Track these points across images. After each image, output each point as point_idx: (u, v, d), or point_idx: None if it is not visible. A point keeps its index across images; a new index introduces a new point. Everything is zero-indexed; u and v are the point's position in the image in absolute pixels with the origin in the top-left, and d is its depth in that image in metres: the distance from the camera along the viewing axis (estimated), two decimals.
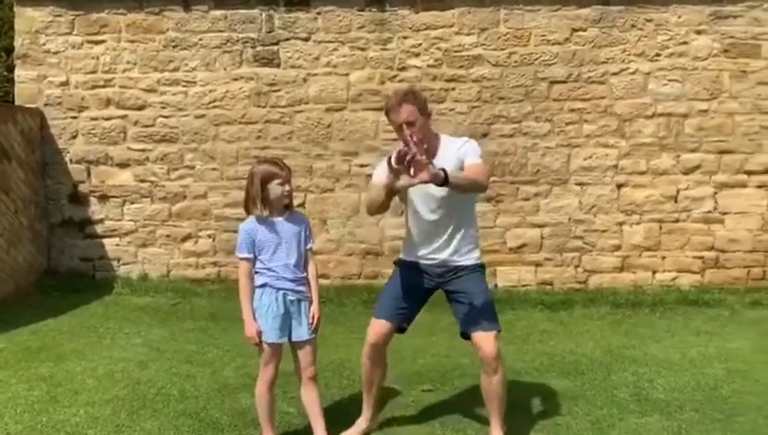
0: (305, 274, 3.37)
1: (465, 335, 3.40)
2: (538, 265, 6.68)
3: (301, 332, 3.34)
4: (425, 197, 3.38)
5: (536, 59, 6.54)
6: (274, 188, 3.27)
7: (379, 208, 3.37)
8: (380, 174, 3.27)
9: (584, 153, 6.58)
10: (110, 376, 4.48)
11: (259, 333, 3.27)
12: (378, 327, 3.47)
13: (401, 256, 3.61)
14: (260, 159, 3.36)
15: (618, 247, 6.64)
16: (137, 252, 6.91)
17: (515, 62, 6.56)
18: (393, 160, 3.01)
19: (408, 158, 2.91)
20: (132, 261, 6.91)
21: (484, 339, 3.29)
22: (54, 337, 5.34)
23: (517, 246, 6.68)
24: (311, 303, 3.37)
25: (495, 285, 6.44)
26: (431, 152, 3.24)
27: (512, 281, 6.65)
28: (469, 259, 3.46)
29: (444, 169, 3.06)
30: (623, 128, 6.54)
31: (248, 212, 3.35)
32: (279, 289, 3.29)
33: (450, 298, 3.50)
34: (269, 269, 3.29)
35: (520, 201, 6.65)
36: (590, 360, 4.76)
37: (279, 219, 3.33)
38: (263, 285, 3.31)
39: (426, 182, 3.00)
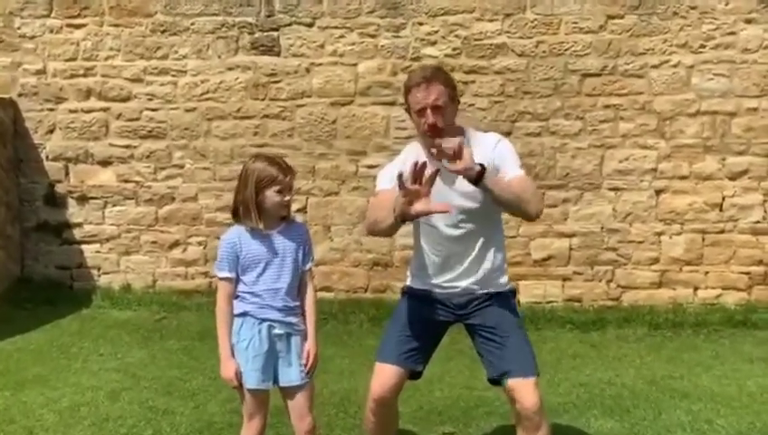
0: (298, 302, 2.77)
1: (496, 381, 2.81)
2: (566, 279, 6.28)
3: (290, 375, 2.74)
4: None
5: (567, 49, 6.13)
6: (271, 196, 2.68)
7: (385, 231, 2.71)
8: (388, 182, 2.73)
9: (619, 155, 6.17)
10: (74, 410, 4.05)
11: (238, 375, 2.68)
12: (384, 376, 2.81)
13: (409, 283, 3.00)
14: (259, 155, 2.79)
15: (655, 261, 6.23)
16: (119, 260, 6.53)
17: (543, 52, 6.15)
18: (407, 176, 2.41)
19: (425, 173, 2.37)
20: (114, 270, 6.54)
21: (523, 387, 2.69)
22: (18, 359, 4.93)
23: (542, 257, 6.29)
24: (305, 338, 2.76)
25: (518, 302, 5.97)
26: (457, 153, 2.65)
27: (536, 297, 6.25)
28: (498, 285, 2.87)
29: (482, 165, 2.47)
30: (663, 127, 6.14)
31: (236, 219, 2.74)
32: (263, 320, 2.70)
33: (474, 334, 2.90)
34: (252, 294, 2.71)
35: (546, 208, 6.09)
36: (634, 393, 4.33)
37: (272, 232, 2.74)
38: (243, 314, 2.73)
39: (458, 172, 2.44)
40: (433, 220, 2.78)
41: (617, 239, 6.22)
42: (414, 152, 2.86)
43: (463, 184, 2.65)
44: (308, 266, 2.80)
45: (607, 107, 6.13)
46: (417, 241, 2.93)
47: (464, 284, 2.83)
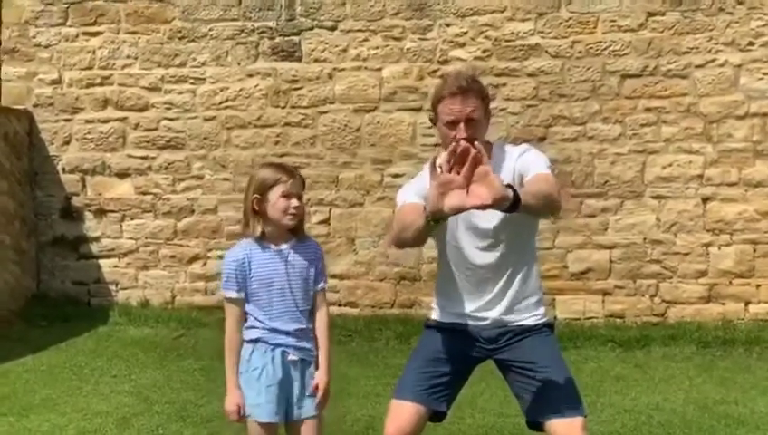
0: (311, 325, 2.52)
1: (536, 425, 2.50)
2: (606, 293, 6.05)
3: (301, 404, 2.48)
4: (472, 230, 2.50)
5: (605, 49, 5.98)
6: (276, 202, 2.42)
7: (414, 238, 2.40)
8: (413, 195, 2.51)
9: (662, 161, 5.98)
10: None
11: (241, 408, 2.43)
12: (401, 417, 2.49)
13: (434, 316, 2.68)
14: (264, 163, 2.53)
15: (703, 273, 6.01)
16: (137, 275, 6.44)
17: (580, 52, 5.99)
18: (443, 160, 2.10)
19: (466, 156, 2.04)
20: (132, 285, 6.44)
21: (568, 430, 2.39)
22: (28, 381, 4.75)
23: (581, 270, 6.07)
24: (317, 365, 2.50)
25: (555, 317, 5.86)
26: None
27: (574, 313, 6.03)
28: (534, 316, 2.57)
29: (511, 186, 2.16)
30: (709, 130, 5.94)
31: (245, 230, 2.51)
32: (276, 346, 2.44)
33: (507, 370, 2.59)
34: (262, 316, 2.46)
35: (584, 218, 6.04)
36: (684, 420, 4.07)
37: (283, 247, 2.48)
38: (254, 341, 2.47)
39: (485, 207, 2.07)
40: (459, 240, 2.53)
41: (661, 251, 6.02)
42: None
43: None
44: (320, 287, 2.55)
45: (648, 110, 5.96)
46: (442, 265, 2.65)
47: (494, 315, 2.54)
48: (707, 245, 5.96)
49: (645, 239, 6.00)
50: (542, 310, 2.60)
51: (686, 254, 5.98)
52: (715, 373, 4.90)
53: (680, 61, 5.89)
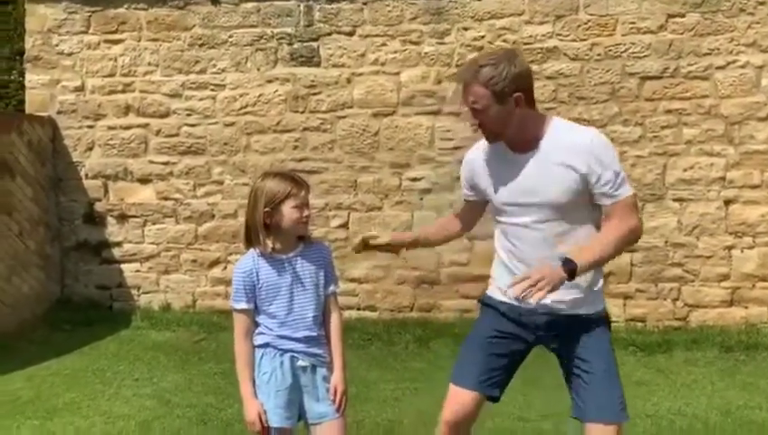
0: (323, 331, 2.51)
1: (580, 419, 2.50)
2: (627, 297, 5.95)
3: (319, 409, 2.47)
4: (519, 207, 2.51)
5: (624, 51, 5.89)
6: (289, 214, 2.41)
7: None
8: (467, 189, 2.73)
9: (684, 163, 5.88)
10: None
11: (261, 417, 2.42)
12: (458, 402, 2.52)
13: (488, 290, 2.66)
14: (267, 172, 2.55)
15: (726, 277, 5.89)
16: (158, 279, 6.43)
17: (599, 54, 5.91)
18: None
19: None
20: (154, 289, 6.43)
21: (600, 431, 2.39)
22: (52, 384, 4.79)
23: None
24: (331, 369, 2.49)
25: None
26: (528, 143, 2.44)
27: None
28: (592, 306, 2.48)
29: (565, 259, 2.29)
30: (731, 132, 5.83)
31: (248, 245, 2.48)
32: (285, 351, 2.45)
33: (559, 360, 2.56)
34: (272, 324, 2.46)
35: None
36: (707, 426, 4.02)
37: (291, 255, 2.47)
38: (263, 345, 2.47)
39: (528, 297, 2.27)
40: (506, 213, 2.50)
41: (683, 254, 5.91)
42: (483, 147, 2.58)
43: (528, 179, 2.41)
44: (331, 290, 2.54)
45: (669, 112, 5.86)
46: (496, 240, 2.62)
47: (544, 300, 2.38)
48: (730, 248, 5.84)
49: (666, 242, 5.88)
50: (597, 302, 2.49)
51: (709, 257, 5.86)
52: (738, 378, 4.81)
53: (701, 62, 5.78)
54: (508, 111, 2.40)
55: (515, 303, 2.44)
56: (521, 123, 2.41)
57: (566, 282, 2.27)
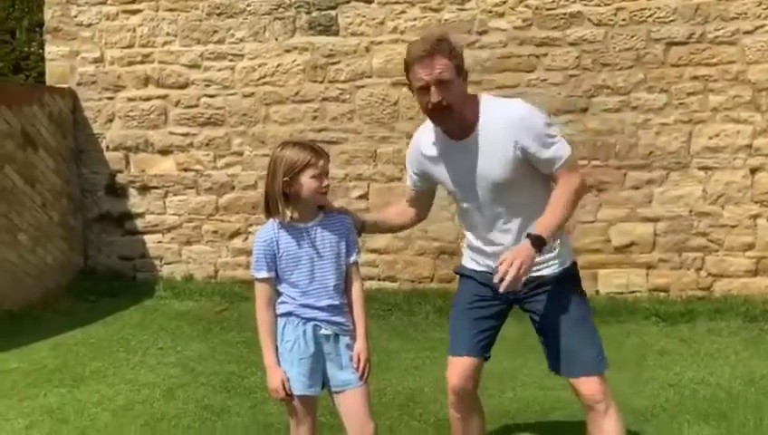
0: (345, 299, 2.52)
1: (556, 373, 2.65)
2: (650, 267, 5.87)
3: (343, 377, 2.48)
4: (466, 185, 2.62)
5: (649, 16, 5.73)
6: (308, 183, 2.40)
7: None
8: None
9: (709, 131, 5.75)
10: (128, 409, 3.91)
11: (285, 385, 2.44)
12: (459, 366, 2.63)
13: (462, 261, 2.80)
14: (286, 142, 2.52)
15: (750, 246, 5.78)
16: (180, 250, 6.46)
17: (623, 20, 5.76)
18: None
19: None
20: (176, 260, 6.47)
21: (585, 383, 2.52)
22: (77, 353, 4.86)
23: (624, 244, 5.89)
24: (354, 337, 2.50)
25: (597, 292, 5.77)
26: (467, 129, 2.49)
27: (617, 287, 5.86)
28: (557, 265, 2.58)
29: (530, 235, 2.36)
30: (759, 99, 5.68)
31: (268, 214, 2.47)
32: (308, 320, 2.45)
33: (531, 320, 2.68)
34: (294, 293, 2.47)
35: (628, 190, 5.84)
36: (731, 395, 3.96)
37: (310, 225, 2.47)
38: (286, 314, 2.48)
39: (515, 287, 2.33)
40: (460, 198, 2.61)
41: (707, 223, 5.81)
42: (425, 138, 2.63)
43: (473, 165, 2.48)
44: (353, 260, 2.53)
45: (695, 78, 5.72)
46: (459, 218, 2.77)
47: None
48: (755, 217, 5.72)
49: (691, 212, 5.79)
50: (561, 259, 2.57)
51: (734, 226, 5.75)
52: (762, 347, 4.74)
53: (728, 27, 5.61)
54: (464, 87, 2.46)
55: (487, 270, 2.57)
56: (463, 103, 2.45)
57: None
